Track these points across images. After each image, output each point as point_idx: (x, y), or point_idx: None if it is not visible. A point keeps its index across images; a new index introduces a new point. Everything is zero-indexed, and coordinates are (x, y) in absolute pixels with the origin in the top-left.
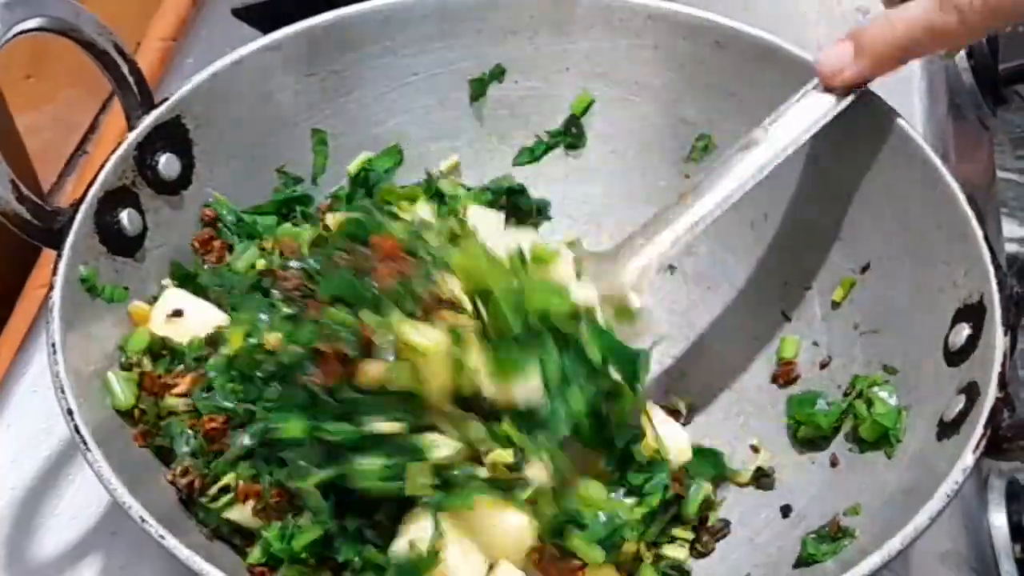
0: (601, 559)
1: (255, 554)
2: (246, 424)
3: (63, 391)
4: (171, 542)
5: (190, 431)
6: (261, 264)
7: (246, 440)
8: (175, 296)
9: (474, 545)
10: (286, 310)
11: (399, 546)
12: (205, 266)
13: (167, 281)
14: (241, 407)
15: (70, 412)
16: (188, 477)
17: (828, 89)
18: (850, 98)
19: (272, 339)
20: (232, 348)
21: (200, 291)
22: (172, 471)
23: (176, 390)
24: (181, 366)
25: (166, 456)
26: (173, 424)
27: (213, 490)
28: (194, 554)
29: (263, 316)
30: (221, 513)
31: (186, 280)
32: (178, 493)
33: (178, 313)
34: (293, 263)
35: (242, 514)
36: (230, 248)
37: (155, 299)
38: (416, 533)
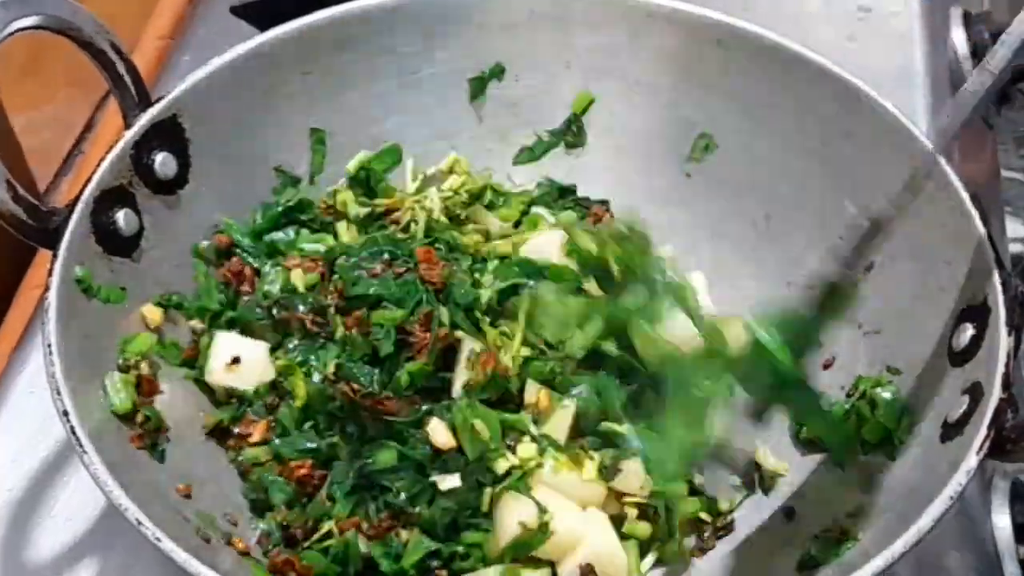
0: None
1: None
2: (332, 460)
3: (59, 392)
4: (167, 545)
5: (281, 479)
6: (303, 282)
7: (346, 485)
8: (227, 341)
9: (569, 501)
10: (322, 340)
11: (505, 528)
12: (244, 298)
13: (197, 323)
14: (324, 444)
15: (66, 414)
16: (290, 530)
17: None
18: None
19: (331, 370)
20: (300, 398)
21: (238, 325)
22: (272, 521)
23: (252, 439)
24: (248, 410)
25: (261, 506)
26: (265, 476)
27: (316, 537)
28: (191, 557)
29: (312, 358)
30: (328, 551)
31: (218, 319)
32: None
33: (236, 360)
34: (299, 305)
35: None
36: (257, 272)
37: (159, 304)
38: (516, 515)
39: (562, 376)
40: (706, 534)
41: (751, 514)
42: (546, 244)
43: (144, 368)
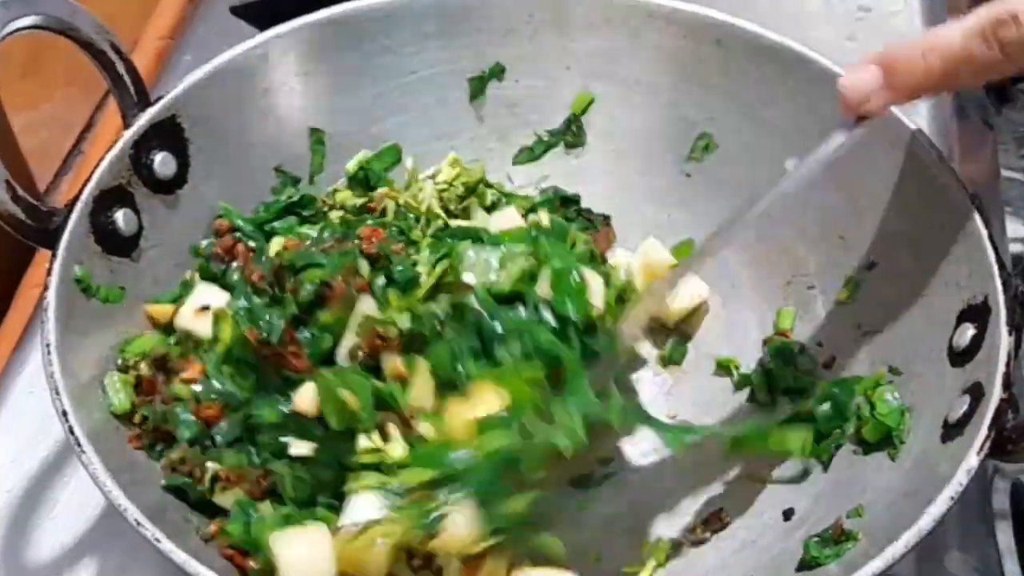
0: None
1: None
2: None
3: (58, 392)
4: (167, 545)
5: (192, 417)
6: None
7: (227, 429)
8: (205, 291)
9: None
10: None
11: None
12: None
13: (189, 273)
14: (241, 392)
15: (65, 414)
16: (186, 466)
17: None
18: (867, 127)
19: (250, 332)
20: (224, 343)
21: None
22: (169, 458)
23: (184, 375)
24: (195, 354)
25: (167, 440)
26: (177, 410)
27: (206, 481)
28: (191, 558)
29: (243, 303)
30: (213, 499)
31: (212, 279)
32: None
33: (205, 308)
34: (260, 267)
35: (226, 499)
36: (253, 251)
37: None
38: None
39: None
40: (697, 529)
41: (750, 515)
42: (507, 219)
43: (143, 369)
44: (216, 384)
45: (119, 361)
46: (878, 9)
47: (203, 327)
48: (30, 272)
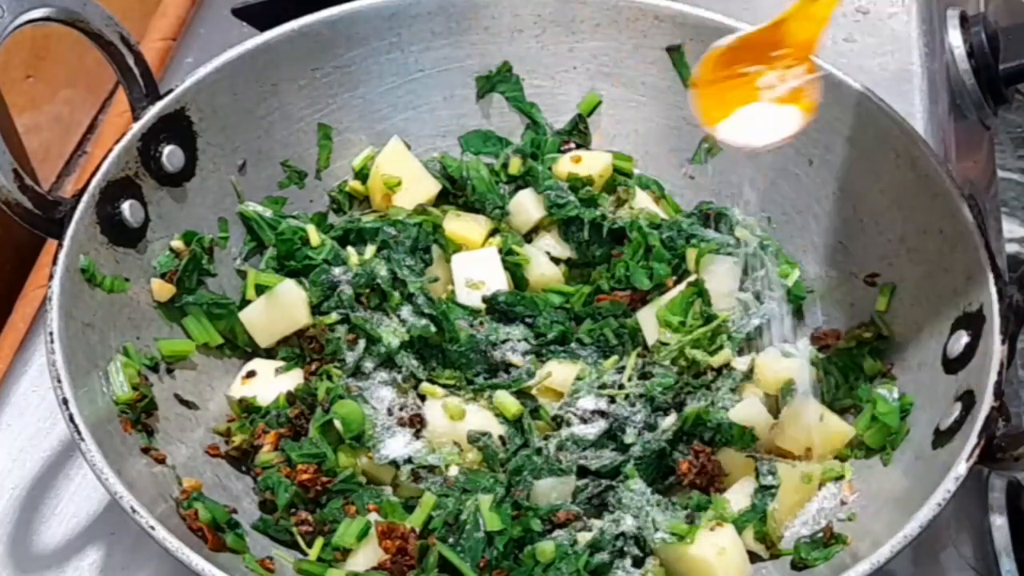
0: None
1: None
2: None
3: (59, 381)
4: (160, 533)
5: (287, 480)
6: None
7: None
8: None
9: None
10: None
11: None
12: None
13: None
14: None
15: (65, 401)
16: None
17: None
18: None
19: None
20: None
21: None
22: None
23: (265, 450)
24: (262, 423)
25: (270, 507)
26: (271, 476)
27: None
28: (183, 545)
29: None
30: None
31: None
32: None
33: (251, 374)
34: None
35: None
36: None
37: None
38: None
39: None
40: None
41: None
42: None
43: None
44: (310, 447)
45: (147, 361)
46: (875, 11)
47: (254, 392)
48: (34, 274)
